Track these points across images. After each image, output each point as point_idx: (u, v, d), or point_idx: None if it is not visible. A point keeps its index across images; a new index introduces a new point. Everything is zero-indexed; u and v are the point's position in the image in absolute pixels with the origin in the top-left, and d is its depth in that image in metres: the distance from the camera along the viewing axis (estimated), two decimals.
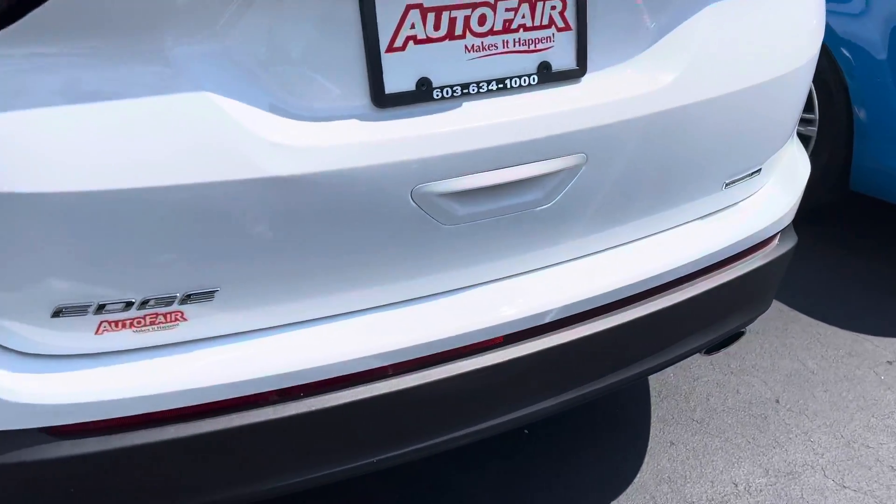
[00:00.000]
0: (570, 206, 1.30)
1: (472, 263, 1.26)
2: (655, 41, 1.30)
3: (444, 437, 1.28)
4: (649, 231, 1.45)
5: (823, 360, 2.48)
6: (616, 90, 1.27)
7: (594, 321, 1.38)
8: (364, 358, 1.18)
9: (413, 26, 1.11)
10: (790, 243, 1.70)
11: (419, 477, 1.99)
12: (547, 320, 1.32)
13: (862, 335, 2.60)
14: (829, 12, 2.74)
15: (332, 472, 1.22)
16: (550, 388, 1.38)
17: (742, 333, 1.84)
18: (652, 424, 2.20)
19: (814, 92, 2.90)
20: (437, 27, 1.12)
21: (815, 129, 2.93)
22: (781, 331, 2.62)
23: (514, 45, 1.19)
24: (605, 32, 1.26)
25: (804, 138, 3.03)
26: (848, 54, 2.71)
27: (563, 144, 1.23)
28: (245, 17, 1.01)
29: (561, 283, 1.35)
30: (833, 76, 2.80)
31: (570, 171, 1.26)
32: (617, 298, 1.39)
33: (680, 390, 2.32)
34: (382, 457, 1.27)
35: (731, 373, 2.41)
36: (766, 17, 1.41)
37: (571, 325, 1.36)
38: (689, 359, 2.43)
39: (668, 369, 2.39)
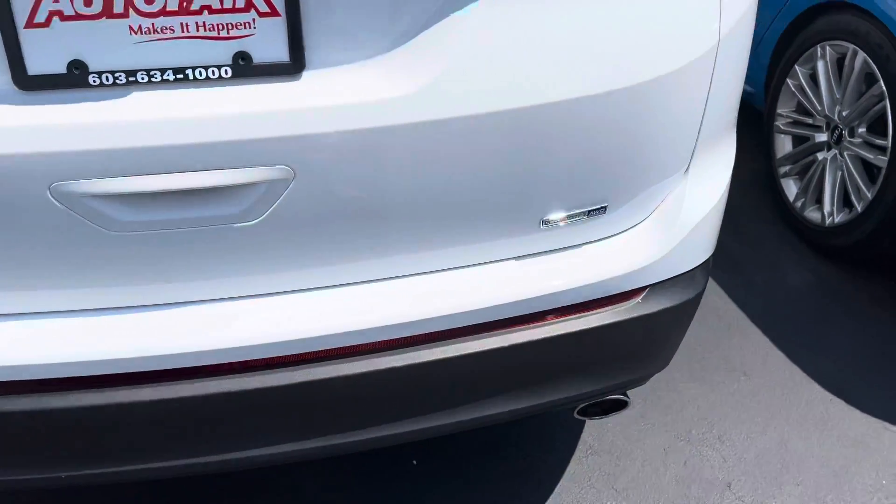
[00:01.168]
0: (291, 226, 1.09)
1: (162, 279, 1.10)
2: (409, 38, 1.04)
3: (118, 468, 1.15)
4: (424, 268, 1.19)
5: (818, 446, 2.01)
6: (342, 94, 1.03)
7: (342, 363, 1.17)
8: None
9: (56, 0, 0.96)
10: (675, 300, 1.35)
11: (266, 490, 1.86)
12: (258, 356, 1.13)
13: (885, 424, 2.08)
14: None
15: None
16: (268, 435, 1.19)
17: (623, 402, 1.51)
18: (560, 482, 1.90)
19: (888, 111, 2.33)
20: (88, 3, 0.96)
21: (887, 158, 2.36)
22: (779, 399, 2.15)
23: (199, 30, 1.00)
24: (334, 22, 1.02)
25: (873, 168, 2.46)
26: None
27: (258, 153, 1.03)
28: None
29: (287, 314, 1.15)
30: None
31: (273, 186, 1.05)
32: (371, 340, 1.17)
33: (614, 449, 1.98)
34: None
35: (688, 440, 2.01)
36: (595, 10, 1.09)
37: (306, 364, 1.17)
38: (641, 414, 2.08)
39: (607, 422, 2.04)
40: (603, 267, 1.27)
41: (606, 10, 1.09)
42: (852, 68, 2.49)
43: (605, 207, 1.24)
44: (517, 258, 1.25)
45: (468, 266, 1.21)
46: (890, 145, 2.33)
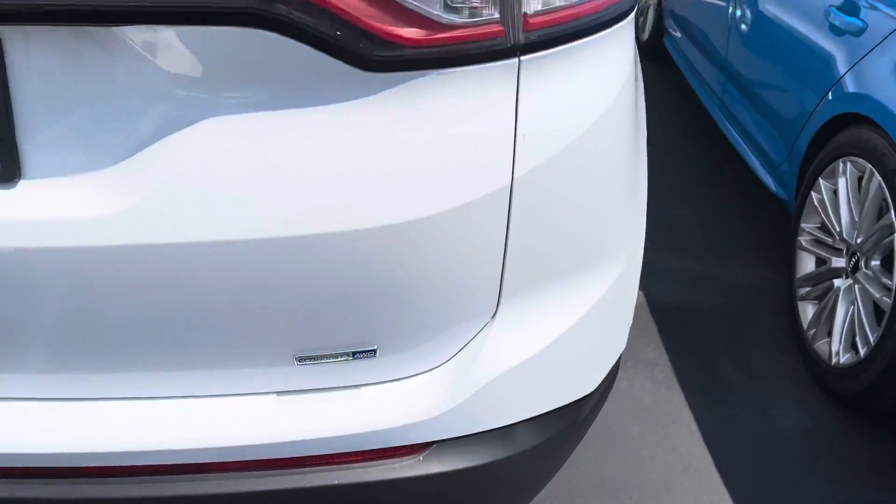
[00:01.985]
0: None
1: None
2: (126, 156, 0.97)
3: None
4: (146, 393, 1.10)
5: None
6: (48, 208, 0.97)
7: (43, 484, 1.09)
8: None
9: None
10: (473, 460, 1.17)
11: None
12: None
13: None
14: None
15: None
16: None
17: None
18: None
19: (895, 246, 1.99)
20: None
21: (891, 301, 2.01)
22: None
23: None
24: (51, 132, 0.97)
25: (879, 310, 2.11)
26: None
27: None
28: None
29: None
30: None
31: None
32: (76, 465, 1.09)
33: None
34: None
35: None
36: (344, 145, 0.98)
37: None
38: None
39: None
40: (376, 415, 1.13)
41: (358, 147, 0.98)
42: (868, 191, 2.18)
43: (374, 351, 1.11)
44: (278, 393, 1.14)
45: (204, 396, 1.11)
46: (895, 287, 1.99)
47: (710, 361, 2.55)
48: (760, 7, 3.04)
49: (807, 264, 2.59)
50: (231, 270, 1.01)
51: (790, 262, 2.66)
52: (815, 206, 2.49)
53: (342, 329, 1.08)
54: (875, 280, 2.15)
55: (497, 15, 0.98)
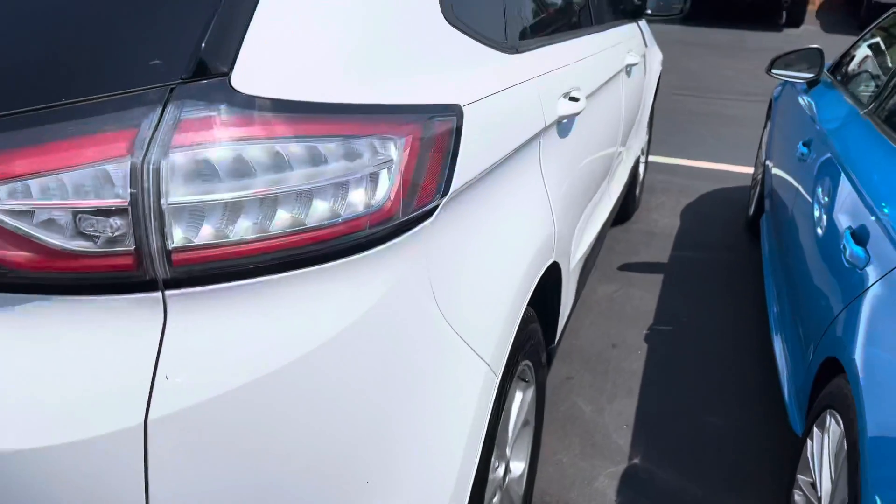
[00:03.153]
0: None
1: None
2: None
3: None
4: None
5: None
6: None
7: None
8: None
9: None
10: None
11: None
12: None
13: None
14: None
15: None
16: None
17: None
18: None
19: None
20: None
21: None
22: None
23: None
24: None
25: None
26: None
27: None
28: None
29: None
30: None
31: None
32: None
33: None
34: None
35: None
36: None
37: None
38: None
39: None
40: None
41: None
42: (840, 456, 1.78)
43: None
44: None
45: None
46: None
47: None
48: (809, 216, 2.73)
49: None
50: None
51: None
52: (807, 457, 2.09)
53: None
54: None
55: (133, 247, 0.92)
